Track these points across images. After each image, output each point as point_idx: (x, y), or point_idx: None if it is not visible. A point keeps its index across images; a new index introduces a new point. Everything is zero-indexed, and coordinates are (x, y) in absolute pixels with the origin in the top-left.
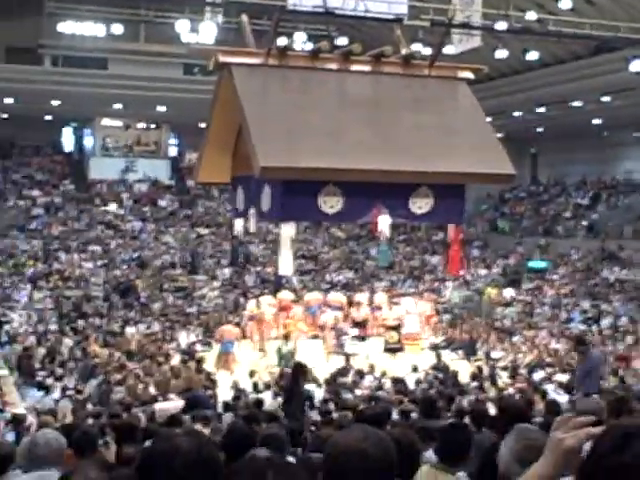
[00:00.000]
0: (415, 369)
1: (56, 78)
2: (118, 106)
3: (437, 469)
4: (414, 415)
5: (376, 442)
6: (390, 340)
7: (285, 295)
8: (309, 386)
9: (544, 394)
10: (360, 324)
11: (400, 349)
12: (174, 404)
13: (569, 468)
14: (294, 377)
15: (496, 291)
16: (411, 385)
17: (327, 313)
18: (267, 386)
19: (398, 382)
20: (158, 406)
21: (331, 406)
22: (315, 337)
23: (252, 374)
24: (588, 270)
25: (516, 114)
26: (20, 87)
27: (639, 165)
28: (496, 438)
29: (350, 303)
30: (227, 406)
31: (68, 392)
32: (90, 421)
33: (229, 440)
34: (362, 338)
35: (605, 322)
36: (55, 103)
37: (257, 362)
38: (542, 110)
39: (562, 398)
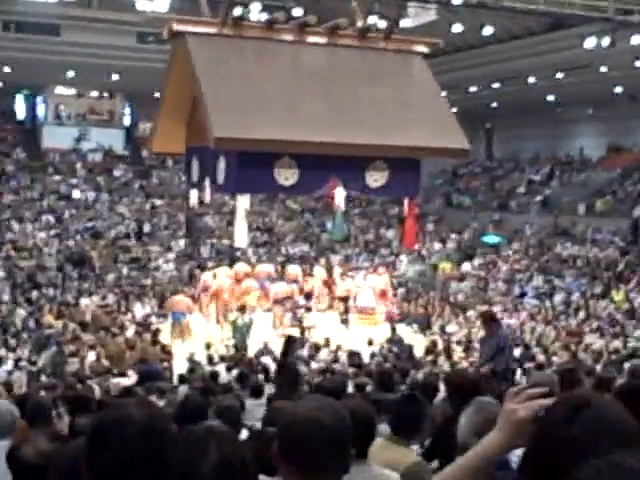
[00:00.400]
0: (370, 342)
1: (7, 44)
2: (71, 74)
3: (391, 441)
4: (369, 388)
5: (331, 412)
6: (337, 311)
7: (241, 267)
8: (264, 359)
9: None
10: (309, 296)
11: (346, 320)
12: (129, 381)
13: (521, 439)
14: (285, 350)
15: (450, 266)
16: (366, 359)
17: (278, 285)
18: (222, 358)
19: (353, 355)
20: (114, 381)
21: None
22: (270, 310)
23: (208, 346)
24: (541, 246)
25: (471, 89)
26: None
27: (593, 142)
28: (450, 411)
29: (306, 275)
30: (182, 378)
31: (21, 363)
32: (43, 393)
33: (182, 411)
34: (308, 309)
35: (558, 298)
36: (6, 70)
37: (213, 334)
38: (497, 86)
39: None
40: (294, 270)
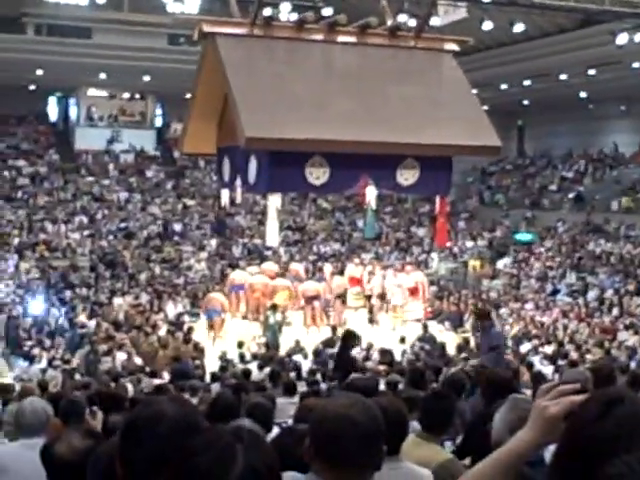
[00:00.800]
0: (402, 340)
1: (40, 47)
2: (103, 76)
3: (422, 438)
4: (401, 386)
5: (362, 409)
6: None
7: (270, 265)
8: (296, 357)
9: (530, 365)
10: (340, 296)
11: (372, 320)
12: (162, 380)
13: (553, 436)
14: (344, 344)
15: (482, 263)
16: (398, 357)
17: (307, 283)
18: (254, 357)
19: (385, 353)
20: (146, 380)
21: (318, 377)
22: (302, 308)
23: (240, 345)
24: (574, 243)
25: (502, 87)
26: (3, 56)
27: (626, 138)
28: (481, 408)
29: (339, 273)
30: (214, 377)
31: (55, 362)
32: (77, 392)
33: (214, 409)
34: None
35: (591, 295)
36: (39, 72)
37: (244, 333)
38: (528, 83)
39: (548, 369)
40: (325, 269)
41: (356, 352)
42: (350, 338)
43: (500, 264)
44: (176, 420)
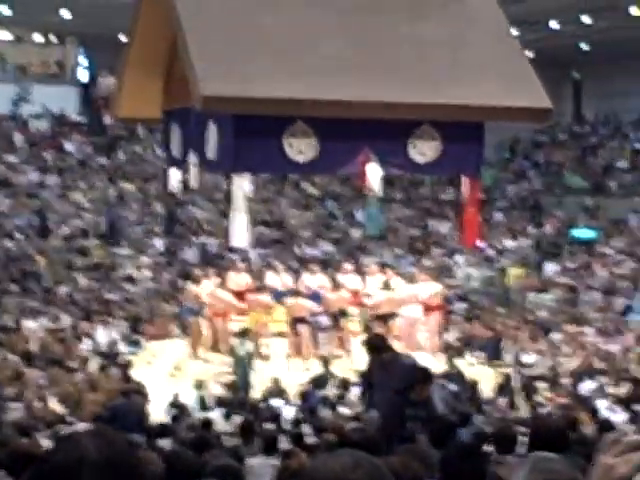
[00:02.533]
0: None
1: None
2: (5, 10)
3: None
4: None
5: (370, 472)
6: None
7: (239, 277)
8: (275, 402)
9: (594, 412)
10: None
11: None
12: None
13: None
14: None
15: (526, 271)
16: None
17: (299, 301)
18: (218, 402)
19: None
20: (69, 429)
21: (305, 429)
22: (280, 334)
23: (198, 385)
24: None
25: (552, 25)
26: None
27: None
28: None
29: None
30: (164, 429)
31: None
32: None
33: (169, 473)
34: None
35: None
36: None
37: (204, 368)
38: (588, 20)
39: (618, 417)
40: (319, 280)
41: (353, 394)
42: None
43: (548, 271)
44: (103, 465)
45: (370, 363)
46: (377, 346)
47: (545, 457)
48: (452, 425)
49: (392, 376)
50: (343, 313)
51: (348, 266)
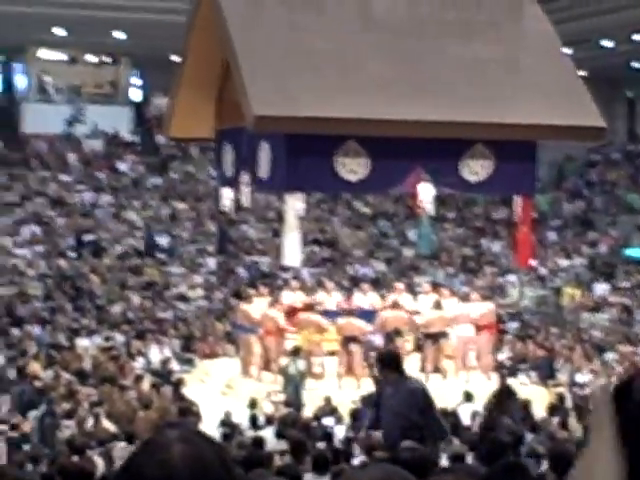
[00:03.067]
0: (469, 397)
1: None
2: (60, 31)
3: None
4: (470, 460)
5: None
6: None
7: (292, 295)
8: (326, 420)
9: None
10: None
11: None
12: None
13: None
14: (497, 403)
15: (581, 290)
16: (466, 419)
17: (345, 319)
18: (269, 420)
19: (447, 415)
20: (121, 446)
21: (356, 448)
22: (332, 353)
23: (252, 404)
24: None
25: (605, 43)
26: None
27: None
28: None
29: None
30: None
31: None
32: (29, 467)
33: None
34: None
35: None
36: None
37: (256, 387)
38: (639, 38)
39: None
40: (371, 300)
41: None
42: (505, 398)
43: (599, 290)
44: (192, 474)
45: (379, 382)
46: (387, 362)
47: None
48: (504, 444)
49: (396, 398)
50: (397, 332)
51: (400, 285)
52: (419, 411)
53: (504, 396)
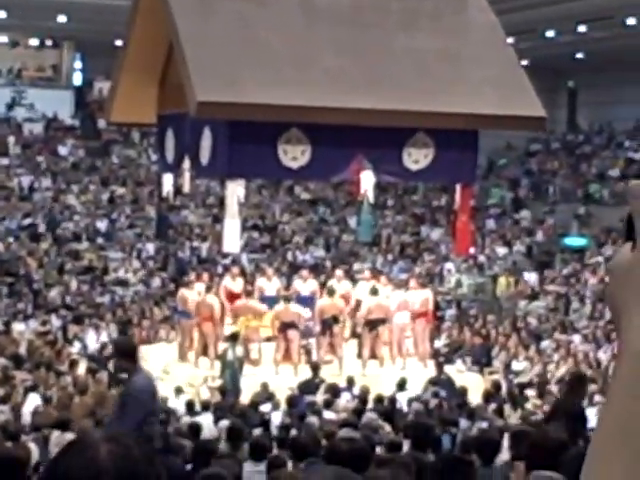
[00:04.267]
0: (402, 385)
1: None
2: (1, 14)
3: None
4: (406, 448)
5: None
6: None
7: (234, 281)
8: (263, 407)
9: (584, 421)
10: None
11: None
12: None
13: None
14: (570, 390)
15: (517, 278)
16: (404, 406)
17: (289, 307)
18: (205, 406)
19: (383, 402)
20: (56, 435)
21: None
22: (270, 339)
23: (178, 391)
24: None
25: (548, 34)
26: None
27: None
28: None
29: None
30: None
31: None
32: None
33: None
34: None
35: None
36: None
37: (192, 373)
38: (583, 29)
39: None
40: (310, 286)
41: (345, 400)
42: (577, 384)
43: (529, 278)
44: (119, 473)
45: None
46: (123, 351)
47: (546, 476)
48: (431, 429)
49: (130, 392)
50: (335, 319)
51: (339, 272)
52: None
53: (578, 382)
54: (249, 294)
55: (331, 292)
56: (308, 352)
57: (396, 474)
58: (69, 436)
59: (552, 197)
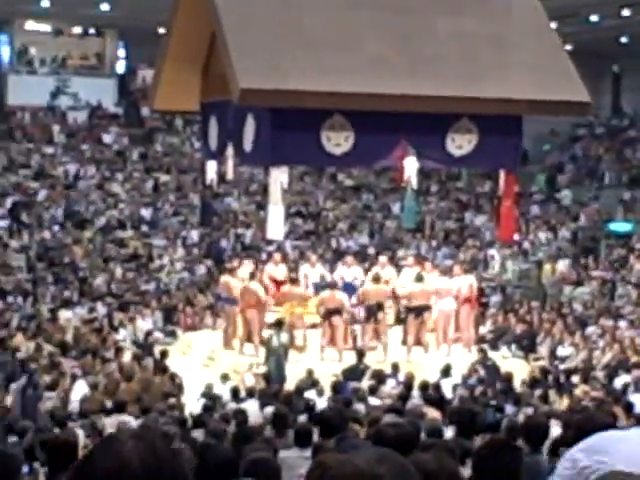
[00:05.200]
0: (447, 371)
1: None
2: (45, 3)
3: None
4: (450, 434)
5: (394, 468)
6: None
7: (277, 268)
8: (308, 393)
9: (629, 407)
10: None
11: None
12: (129, 418)
13: None
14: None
15: (563, 264)
16: (448, 393)
17: (334, 293)
18: (251, 393)
19: (429, 388)
20: (107, 421)
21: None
22: (315, 326)
23: (224, 378)
24: None
25: (592, 18)
26: None
27: None
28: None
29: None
30: (197, 420)
31: None
32: (11, 440)
33: (202, 467)
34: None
35: None
36: None
37: (238, 359)
38: (627, 13)
39: None
40: (354, 272)
41: (390, 386)
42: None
43: (561, 266)
44: (147, 473)
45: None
46: None
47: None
48: (476, 415)
49: None
50: (379, 306)
51: (383, 259)
52: None
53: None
54: (293, 281)
55: (376, 279)
56: (354, 338)
57: (439, 457)
58: (124, 418)
59: (597, 182)
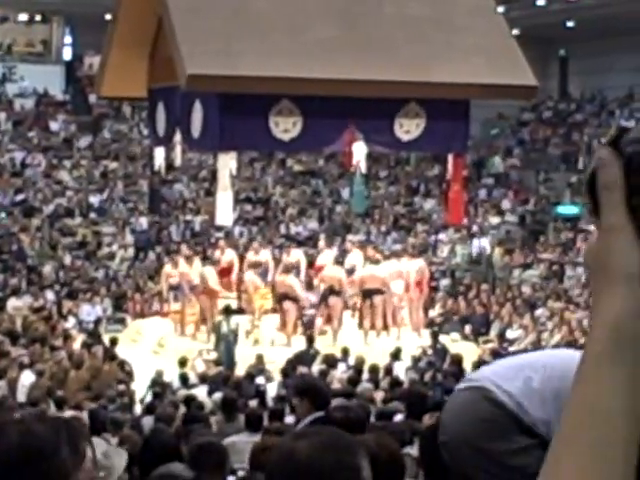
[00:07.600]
0: (396, 355)
1: None
2: None
3: None
4: (400, 417)
5: (339, 452)
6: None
7: (226, 254)
8: (259, 379)
9: None
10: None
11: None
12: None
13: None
14: None
15: (511, 247)
16: (400, 376)
17: (285, 278)
18: (202, 379)
19: (378, 372)
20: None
21: (287, 407)
22: (266, 311)
23: (182, 363)
24: None
25: (539, 2)
26: None
27: None
28: None
29: (311, 264)
30: (147, 407)
31: None
32: None
33: (146, 452)
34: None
35: None
36: None
37: (187, 346)
38: None
39: None
40: (297, 256)
41: (341, 371)
42: None
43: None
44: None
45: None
46: None
47: None
48: (426, 397)
49: None
50: (331, 290)
51: (333, 243)
52: None
53: None
54: (243, 267)
55: (323, 263)
56: (309, 324)
57: (380, 438)
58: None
59: (545, 166)
